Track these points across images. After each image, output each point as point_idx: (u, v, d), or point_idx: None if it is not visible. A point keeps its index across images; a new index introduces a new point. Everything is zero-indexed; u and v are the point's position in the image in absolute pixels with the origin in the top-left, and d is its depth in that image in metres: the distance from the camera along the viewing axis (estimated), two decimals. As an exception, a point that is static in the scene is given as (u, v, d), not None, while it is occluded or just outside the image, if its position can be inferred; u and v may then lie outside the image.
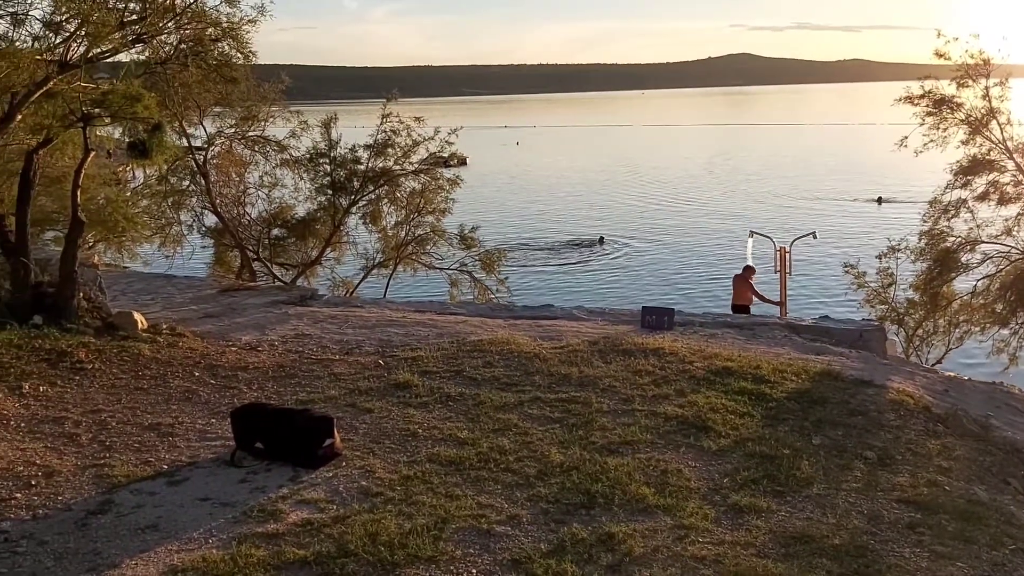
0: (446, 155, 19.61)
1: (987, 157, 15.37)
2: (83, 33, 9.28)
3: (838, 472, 6.87)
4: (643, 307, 11.97)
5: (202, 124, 19.29)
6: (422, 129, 18.92)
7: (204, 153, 19.34)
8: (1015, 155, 15.08)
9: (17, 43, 9.15)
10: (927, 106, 15.59)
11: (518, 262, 29.53)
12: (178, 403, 8.40)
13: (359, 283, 19.86)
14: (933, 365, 14.51)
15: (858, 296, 17.07)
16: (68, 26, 9.33)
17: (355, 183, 18.81)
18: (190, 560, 5.40)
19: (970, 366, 16.16)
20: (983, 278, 15.76)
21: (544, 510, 6.11)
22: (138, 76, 10.60)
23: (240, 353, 10.01)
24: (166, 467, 6.91)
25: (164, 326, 10.77)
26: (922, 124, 15.67)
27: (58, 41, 9.37)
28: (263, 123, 19.55)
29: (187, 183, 19.43)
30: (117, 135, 14.97)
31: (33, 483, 6.58)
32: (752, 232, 21.34)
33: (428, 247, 19.39)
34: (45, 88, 9.31)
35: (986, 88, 15.12)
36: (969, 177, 15.51)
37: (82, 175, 10.64)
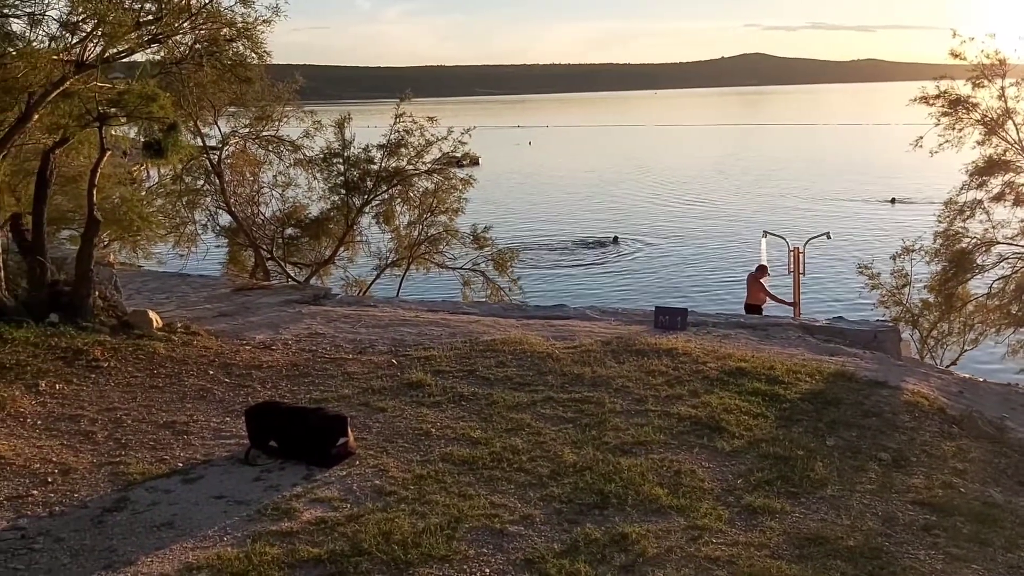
0: (459, 155, 19.63)
1: (1003, 158, 15.30)
2: (99, 33, 9.32)
3: (852, 473, 6.85)
4: (656, 307, 11.95)
5: (216, 124, 19.37)
6: (435, 129, 18.95)
7: (218, 153, 19.43)
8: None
9: (34, 43, 9.21)
10: (942, 106, 15.53)
11: (530, 262, 29.50)
12: (193, 401, 8.44)
13: (372, 282, 19.90)
14: (948, 366, 14.45)
15: (872, 297, 16.99)
16: (85, 26, 9.38)
17: (368, 183, 18.84)
18: (205, 558, 5.43)
19: (985, 368, 16.05)
20: (998, 279, 15.67)
21: (557, 510, 6.11)
22: (153, 76, 10.65)
23: (254, 352, 10.05)
24: (181, 465, 6.96)
25: (179, 325, 10.82)
26: (937, 124, 15.62)
27: (75, 41, 9.42)
28: (277, 123, 19.64)
29: (201, 182, 19.53)
30: (132, 135, 15.04)
31: (50, 480, 6.64)
32: (765, 232, 21.27)
33: (441, 247, 19.41)
34: (62, 88, 9.37)
35: (1002, 88, 15.06)
36: (985, 178, 15.43)
37: (98, 174, 10.71)
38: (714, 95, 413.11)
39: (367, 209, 19.12)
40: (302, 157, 19.62)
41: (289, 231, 20.02)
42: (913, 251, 16.29)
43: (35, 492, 6.43)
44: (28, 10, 9.18)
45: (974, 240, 15.61)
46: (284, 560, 5.38)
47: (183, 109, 15.35)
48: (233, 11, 10.96)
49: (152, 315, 10.69)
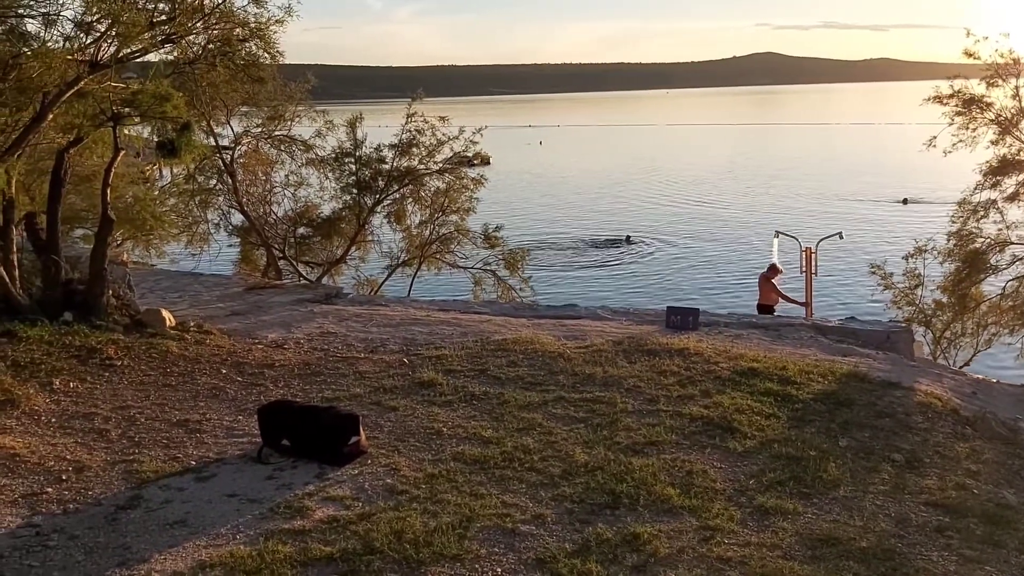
0: (470, 154, 19.67)
1: (1017, 157, 15.20)
2: (113, 33, 9.36)
3: (865, 474, 6.83)
4: (668, 307, 11.93)
5: (229, 123, 19.48)
6: (447, 129, 18.99)
7: (231, 152, 19.52)
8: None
9: (49, 43, 9.26)
10: (956, 106, 15.43)
11: (541, 261, 29.51)
12: (205, 400, 8.48)
13: (384, 282, 19.95)
14: (961, 367, 14.37)
15: (885, 297, 16.91)
16: (99, 26, 9.42)
17: (380, 182, 18.90)
18: (218, 556, 5.45)
19: (999, 369, 15.96)
20: (1012, 280, 15.58)
21: (569, 510, 6.11)
22: (167, 76, 10.69)
23: (266, 351, 10.08)
24: (194, 463, 6.99)
25: (191, 323, 10.87)
26: (951, 124, 15.52)
27: (89, 41, 9.46)
28: (289, 123, 19.73)
29: (214, 182, 19.63)
30: (146, 134, 15.10)
31: (64, 478, 6.68)
32: (777, 232, 21.20)
33: (452, 246, 19.45)
34: (76, 88, 9.41)
35: (1016, 87, 14.96)
36: (999, 178, 15.33)
37: (112, 174, 10.76)
38: (725, 95, 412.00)
39: (379, 208, 19.19)
40: (314, 157, 19.71)
41: (301, 230, 20.12)
42: (925, 251, 16.20)
43: (49, 489, 6.47)
44: (43, 10, 9.24)
45: (988, 240, 15.52)
46: (296, 558, 5.40)
47: (196, 109, 15.43)
48: (246, 11, 11.00)
49: (165, 314, 10.73)
